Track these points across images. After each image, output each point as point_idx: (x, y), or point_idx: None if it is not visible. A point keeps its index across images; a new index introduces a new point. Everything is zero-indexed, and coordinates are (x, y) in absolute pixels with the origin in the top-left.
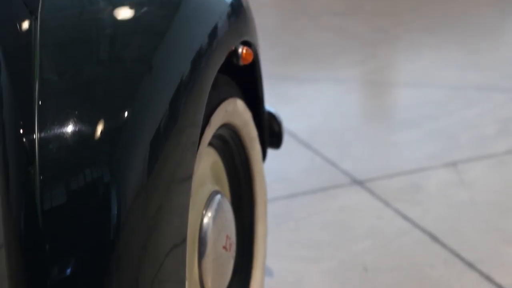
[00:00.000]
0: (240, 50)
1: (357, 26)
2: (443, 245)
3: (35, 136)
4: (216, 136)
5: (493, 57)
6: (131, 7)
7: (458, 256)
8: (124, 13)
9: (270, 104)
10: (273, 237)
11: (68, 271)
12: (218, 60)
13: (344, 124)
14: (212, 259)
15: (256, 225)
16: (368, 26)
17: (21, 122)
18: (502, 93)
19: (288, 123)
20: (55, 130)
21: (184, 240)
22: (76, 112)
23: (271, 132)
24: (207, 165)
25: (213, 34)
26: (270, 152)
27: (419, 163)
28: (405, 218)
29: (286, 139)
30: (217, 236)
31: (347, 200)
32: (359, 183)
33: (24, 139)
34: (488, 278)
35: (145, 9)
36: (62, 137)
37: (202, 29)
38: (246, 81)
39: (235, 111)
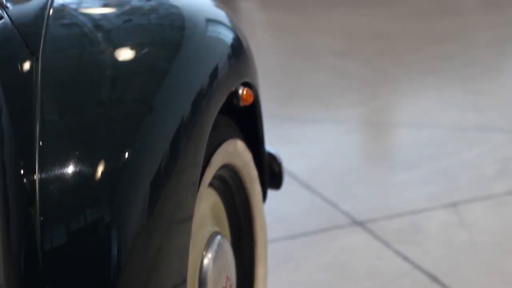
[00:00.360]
0: (240, 91)
1: (357, 67)
2: (443, 286)
3: (36, 176)
4: (216, 177)
5: (492, 97)
6: (132, 48)
7: None
8: (125, 54)
9: (270, 144)
10: (273, 278)
11: None
12: (219, 101)
13: (344, 165)
14: None
15: (256, 266)
16: (368, 67)
17: (22, 163)
18: (502, 133)
19: (288, 164)
20: (56, 171)
21: (184, 281)
22: (77, 153)
23: (271, 173)
24: (207, 206)
25: (214, 75)
26: (270, 192)
27: (419, 203)
28: (405, 259)
29: (286, 179)
30: (217, 277)
31: (348, 241)
32: (359, 224)
33: (24, 180)
34: None
35: (146, 50)
36: (62, 177)
37: (202, 70)
38: (247, 122)
39: (235, 152)
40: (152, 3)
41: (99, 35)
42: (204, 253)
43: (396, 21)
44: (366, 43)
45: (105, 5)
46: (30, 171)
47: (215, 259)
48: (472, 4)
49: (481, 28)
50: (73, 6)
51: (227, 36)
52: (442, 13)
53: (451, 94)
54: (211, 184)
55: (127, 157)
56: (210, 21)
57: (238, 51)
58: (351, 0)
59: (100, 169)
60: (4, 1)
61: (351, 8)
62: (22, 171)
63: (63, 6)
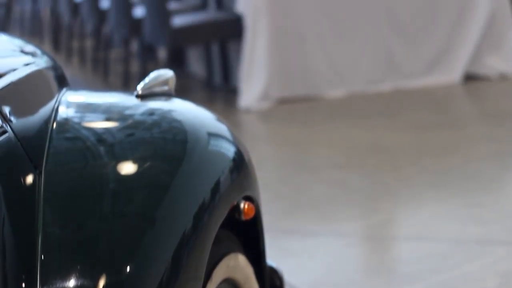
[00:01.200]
0: (242, 205)
1: (358, 180)
2: None
3: None
4: None
5: (493, 210)
6: (134, 162)
7: None
8: (127, 168)
9: (271, 257)
10: None
11: None
12: (220, 215)
13: (345, 278)
14: None
15: None
16: (369, 180)
17: (23, 276)
18: (503, 246)
19: (289, 277)
20: (57, 285)
21: None
22: (78, 267)
23: (272, 287)
24: None
25: (215, 189)
26: None
27: None
28: None
29: None
30: None
31: None
32: None
33: None
34: None
35: (148, 164)
36: None
37: (204, 184)
38: (248, 235)
39: (236, 266)
40: (155, 117)
41: (102, 149)
42: None
43: (396, 134)
44: (366, 156)
45: (108, 119)
46: (31, 285)
47: None
48: (472, 116)
49: (482, 140)
50: (77, 119)
51: (229, 150)
52: (442, 125)
53: (452, 207)
54: None
55: (129, 271)
56: (212, 135)
57: (240, 165)
58: (351, 112)
59: (102, 283)
60: (8, 115)
61: (351, 120)
62: (23, 285)
63: (66, 120)
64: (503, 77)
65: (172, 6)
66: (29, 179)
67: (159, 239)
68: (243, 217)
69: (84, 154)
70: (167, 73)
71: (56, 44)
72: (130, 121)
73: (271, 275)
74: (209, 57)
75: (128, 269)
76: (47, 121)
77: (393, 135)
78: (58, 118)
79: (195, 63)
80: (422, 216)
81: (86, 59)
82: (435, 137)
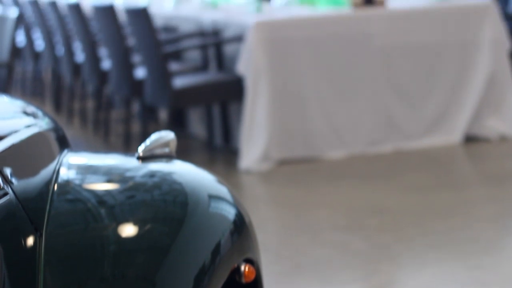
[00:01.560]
0: (242, 267)
1: (358, 241)
2: None
3: None
4: None
5: (494, 273)
6: (135, 224)
7: None
8: (128, 230)
9: None
10: None
11: None
12: (221, 278)
13: None
14: None
15: None
16: (370, 242)
17: None
18: None
19: None
20: None
21: None
22: None
23: None
24: None
25: (216, 251)
26: None
27: None
28: None
29: None
30: None
31: None
32: None
33: None
34: None
35: (148, 226)
36: None
37: (205, 246)
38: None
39: None
40: (155, 179)
41: (103, 211)
42: None
43: (397, 195)
44: (367, 218)
45: (109, 181)
46: None
47: None
48: (473, 178)
49: (482, 202)
50: (78, 181)
51: (229, 212)
52: (443, 187)
53: (452, 270)
54: None
55: None
56: (212, 197)
57: (240, 227)
58: (351, 174)
59: None
60: (9, 176)
61: (352, 182)
62: None
63: (67, 182)
64: (503, 139)
65: (173, 67)
66: (30, 241)
67: None
68: (244, 280)
69: (85, 216)
70: (168, 135)
71: (57, 105)
72: (131, 183)
73: None
74: (210, 118)
75: None
76: (48, 183)
77: (393, 196)
78: (59, 180)
79: (196, 124)
80: (423, 278)
81: (87, 120)
82: (436, 199)
